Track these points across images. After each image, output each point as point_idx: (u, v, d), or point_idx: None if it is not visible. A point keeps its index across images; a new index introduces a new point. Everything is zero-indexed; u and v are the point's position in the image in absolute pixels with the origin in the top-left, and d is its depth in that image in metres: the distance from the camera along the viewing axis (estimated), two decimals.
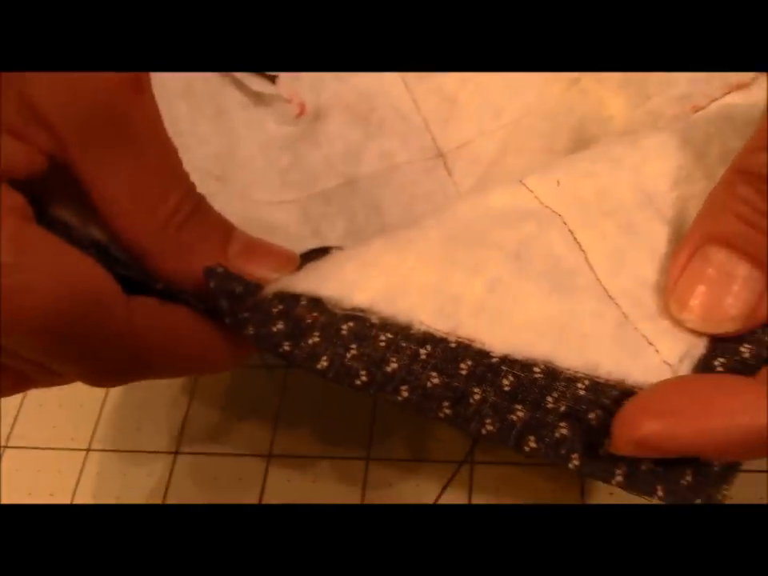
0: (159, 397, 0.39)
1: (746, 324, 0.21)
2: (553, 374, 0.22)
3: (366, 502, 0.33)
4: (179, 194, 0.24)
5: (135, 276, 0.24)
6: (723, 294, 0.21)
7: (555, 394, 0.22)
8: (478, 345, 0.23)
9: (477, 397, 0.22)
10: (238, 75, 0.34)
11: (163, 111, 0.28)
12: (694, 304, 0.21)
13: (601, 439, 0.21)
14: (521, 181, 0.28)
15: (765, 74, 0.29)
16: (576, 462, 0.21)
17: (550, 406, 0.22)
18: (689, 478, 0.21)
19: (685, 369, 0.22)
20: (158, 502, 0.35)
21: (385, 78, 0.37)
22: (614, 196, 0.26)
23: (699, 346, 0.22)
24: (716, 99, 0.30)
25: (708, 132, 0.27)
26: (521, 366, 0.22)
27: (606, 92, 0.35)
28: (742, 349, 0.22)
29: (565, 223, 0.26)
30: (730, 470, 0.21)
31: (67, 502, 0.37)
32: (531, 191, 0.28)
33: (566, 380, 0.22)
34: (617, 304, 0.23)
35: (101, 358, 0.22)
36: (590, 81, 0.35)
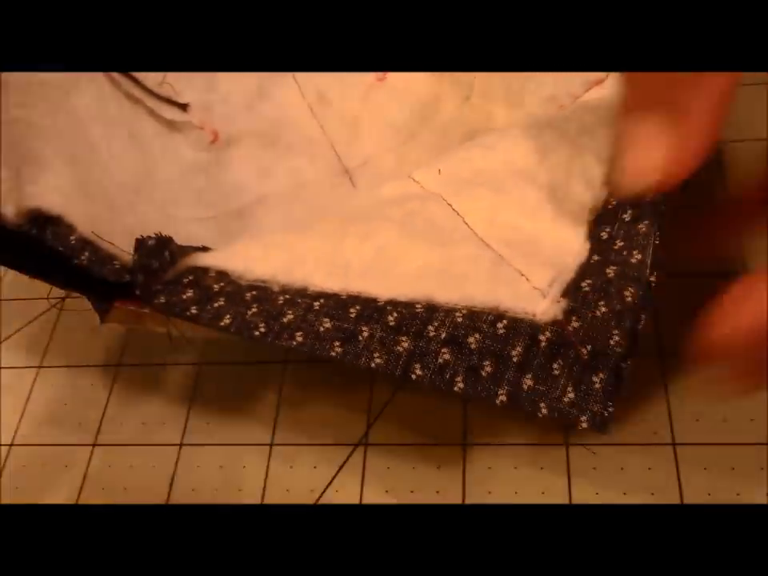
0: None
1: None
2: (433, 308, 0.24)
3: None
4: None
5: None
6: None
7: (436, 323, 0.24)
8: (365, 295, 0.25)
9: (365, 334, 0.24)
10: (150, 104, 0.37)
11: (77, 131, 0.30)
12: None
13: (481, 362, 0.23)
14: (409, 175, 0.32)
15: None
16: (460, 385, 0.23)
17: (431, 334, 0.23)
18: (570, 396, 0.22)
19: (554, 292, 0.24)
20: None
21: (293, 107, 0.41)
22: (488, 172, 0.29)
23: (568, 272, 0.25)
24: (579, 97, 0.34)
25: (566, 114, 0.30)
26: (404, 305, 0.25)
27: (493, 106, 0.39)
28: (608, 270, 0.24)
29: (443, 198, 0.29)
30: (613, 388, 0.22)
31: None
32: (417, 182, 0.31)
33: (445, 311, 0.24)
34: (492, 248, 0.26)
35: None
36: (478, 97, 0.39)
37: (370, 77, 0.40)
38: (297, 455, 0.34)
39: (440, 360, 0.23)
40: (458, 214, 0.28)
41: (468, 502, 0.31)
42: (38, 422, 0.37)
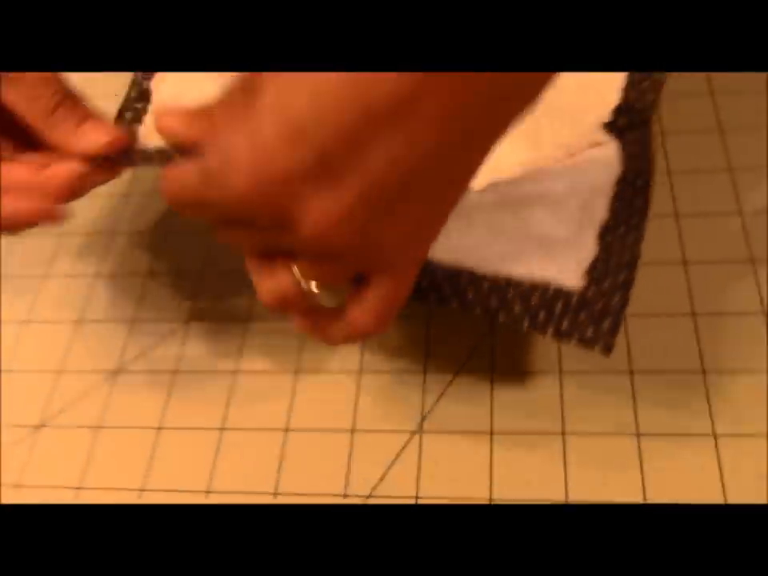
0: None
1: None
2: (507, 280, 0.32)
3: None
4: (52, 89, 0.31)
5: None
6: None
7: (511, 291, 0.32)
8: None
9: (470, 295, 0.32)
10: None
11: None
12: None
13: (538, 312, 0.31)
14: None
15: (615, 138, 0.36)
16: (526, 324, 0.31)
17: (509, 296, 0.32)
18: (590, 333, 0.30)
19: (581, 271, 0.33)
20: None
21: None
22: None
23: (587, 250, 0.34)
24: (584, 150, 0.36)
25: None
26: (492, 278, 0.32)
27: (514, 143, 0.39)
28: (612, 257, 0.33)
29: None
30: (614, 330, 0.30)
31: None
32: None
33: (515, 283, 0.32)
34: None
35: None
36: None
37: None
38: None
39: (516, 309, 0.31)
40: None
41: None
42: None
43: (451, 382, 0.35)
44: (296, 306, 0.27)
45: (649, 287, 0.36)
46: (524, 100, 0.24)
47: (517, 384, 0.35)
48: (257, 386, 0.37)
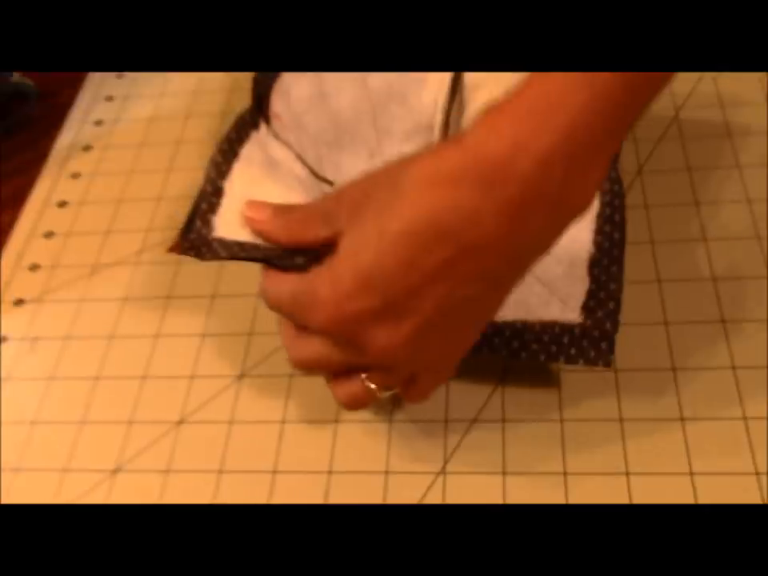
0: None
1: None
2: (523, 324, 0.40)
3: None
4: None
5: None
6: None
7: (527, 333, 0.39)
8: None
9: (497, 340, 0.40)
10: None
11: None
12: None
13: (550, 346, 0.39)
14: None
15: None
16: (543, 357, 0.39)
17: (527, 338, 0.39)
18: (591, 354, 0.38)
19: (578, 307, 0.40)
20: None
21: None
22: None
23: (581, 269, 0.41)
24: None
25: None
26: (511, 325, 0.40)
27: None
28: (601, 294, 0.40)
29: None
30: (609, 350, 0.38)
31: None
32: None
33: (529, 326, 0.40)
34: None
35: None
36: None
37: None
38: None
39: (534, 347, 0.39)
40: None
41: None
42: None
43: (468, 429, 0.41)
44: (365, 404, 0.36)
45: (631, 345, 0.42)
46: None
47: (525, 432, 0.41)
48: (302, 433, 0.43)
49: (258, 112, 0.47)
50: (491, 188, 0.30)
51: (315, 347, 0.34)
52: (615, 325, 0.39)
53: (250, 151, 0.45)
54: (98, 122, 0.62)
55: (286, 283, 0.35)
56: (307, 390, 0.44)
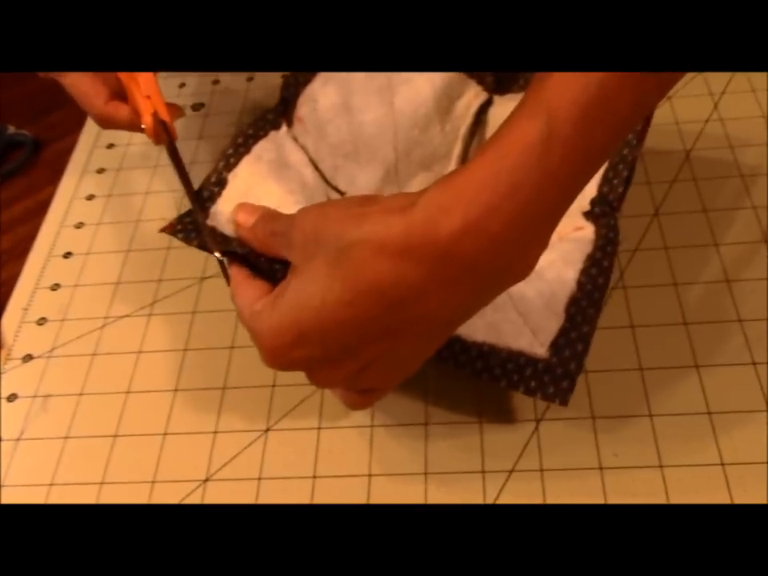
0: None
1: None
2: (491, 348, 0.40)
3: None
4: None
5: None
6: None
7: (493, 358, 0.40)
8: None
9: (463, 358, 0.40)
10: None
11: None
12: None
13: (512, 377, 0.39)
14: None
15: (592, 223, 0.45)
16: (503, 383, 0.39)
17: (492, 362, 0.40)
18: (551, 390, 0.38)
19: (546, 344, 0.40)
20: None
21: None
22: None
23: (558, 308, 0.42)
24: (569, 234, 0.44)
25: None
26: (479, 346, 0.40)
27: None
28: (573, 333, 0.40)
29: None
30: (569, 388, 0.38)
31: None
32: None
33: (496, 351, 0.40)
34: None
35: None
36: None
37: None
38: None
39: (496, 371, 0.39)
40: None
41: None
42: None
43: (506, 480, 0.41)
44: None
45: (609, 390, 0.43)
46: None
47: (500, 431, 0.42)
48: (335, 488, 0.42)
49: (282, 113, 0.48)
50: (437, 265, 0.30)
51: (241, 316, 0.37)
52: (579, 366, 0.39)
53: (262, 148, 0.46)
54: (100, 170, 0.61)
55: (246, 305, 0.36)
56: (336, 444, 0.43)
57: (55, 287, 0.54)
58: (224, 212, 0.42)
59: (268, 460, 0.43)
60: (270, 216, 0.39)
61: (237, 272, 0.38)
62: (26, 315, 0.53)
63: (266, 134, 0.47)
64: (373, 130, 0.47)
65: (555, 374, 0.39)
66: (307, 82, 0.49)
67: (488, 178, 0.29)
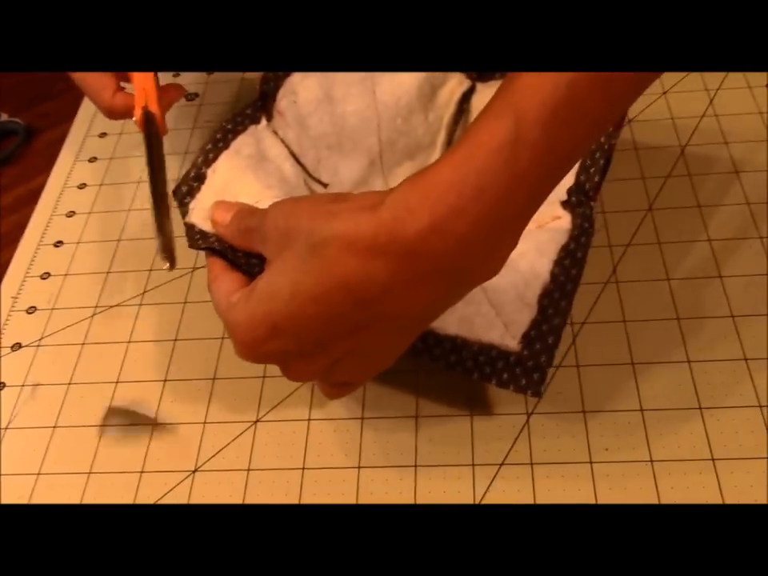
0: None
1: None
2: (463, 341, 0.40)
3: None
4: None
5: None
6: None
7: (465, 351, 0.40)
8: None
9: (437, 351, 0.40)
10: None
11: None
12: None
13: (484, 368, 0.39)
14: None
15: (569, 213, 0.44)
16: (475, 375, 0.39)
17: (464, 354, 0.40)
18: (522, 382, 0.39)
19: (518, 336, 0.40)
20: None
21: None
22: None
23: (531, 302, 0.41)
24: (547, 223, 0.44)
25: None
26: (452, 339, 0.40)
27: None
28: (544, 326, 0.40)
29: None
30: (540, 381, 0.39)
31: None
32: None
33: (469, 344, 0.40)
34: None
35: None
36: None
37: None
38: None
39: (468, 364, 0.39)
40: None
41: None
42: None
43: (496, 473, 0.40)
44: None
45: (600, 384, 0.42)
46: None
47: (492, 425, 0.41)
48: (324, 479, 0.41)
49: (262, 107, 0.48)
50: (403, 264, 0.30)
51: (217, 310, 0.37)
52: (550, 359, 0.39)
53: (242, 143, 0.46)
54: (92, 159, 0.61)
55: (222, 297, 0.36)
56: (326, 436, 0.43)
57: (45, 276, 0.54)
58: (203, 208, 0.42)
59: (257, 451, 0.43)
60: (245, 212, 0.39)
61: (213, 264, 0.38)
62: (16, 303, 0.52)
63: (245, 129, 0.47)
64: (355, 121, 0.47)
65: (526, 367, 0.39)
66: (286, 75, 0.49)
67: (455, 179, 0.29)
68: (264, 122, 0.48)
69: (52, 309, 0.51)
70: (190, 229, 0.41)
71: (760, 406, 0.40)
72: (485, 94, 0.49)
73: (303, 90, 0.48)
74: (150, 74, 0.46)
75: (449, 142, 0.48)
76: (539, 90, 0.29)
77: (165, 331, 0.49)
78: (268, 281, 0.33)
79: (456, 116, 0.49)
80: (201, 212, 0.42)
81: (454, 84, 0.49)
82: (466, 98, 0.49)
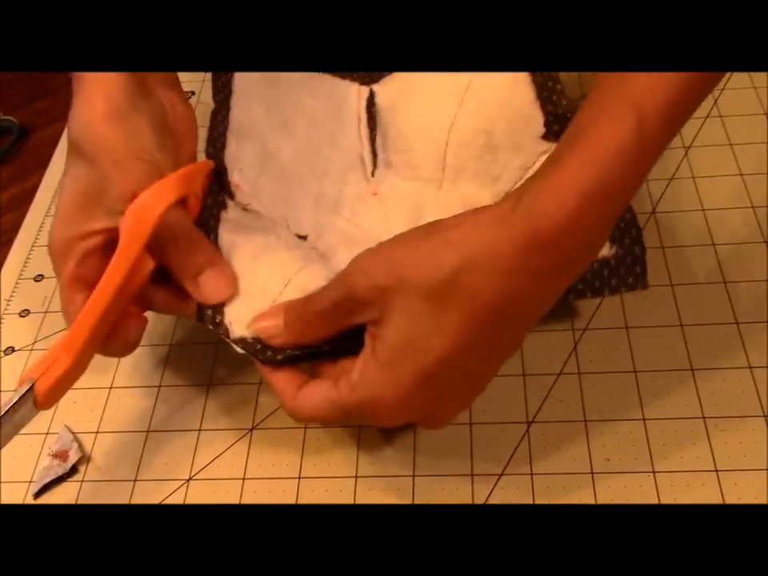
0: None
1: None
2: None
3: None
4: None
5: None
6: None
7: None
8: None
9: None
10: None
11: None
12: None
13: (594, 281, 0.40)
14: None
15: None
16: (589, 294, 0.40)
17: None
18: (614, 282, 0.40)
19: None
20: None
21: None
22: None
23: None
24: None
25: None
26: None
27: (465, 187, 0.44)
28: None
29: None
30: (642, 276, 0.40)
31: None
32: None
33: None
34: None
35: None
36: (448, 183, 0.45)
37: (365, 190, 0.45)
38: None
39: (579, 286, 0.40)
40: None
41: None
42: None
43: (495, 484, 0.40)
44: None
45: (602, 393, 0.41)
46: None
47: (491, 433, 0.41)
48: (321, 489, 0.41)
49: (220, 188, 0.45)
50: (545, 270, 0.32)
51: (320, 412, 0.36)
52: (642, 248, 0.40)
53: (228, 242, 0.42)
54: None
55: (320, 400, 0.35)
56: (322, 447, 0.42)
57: (39, 278, 0.53)
58: (242, 318, 0.39)
59: (253, 459, 0.42)
60: (304, 302, 0.36)
61: (272, 376, 0.38)
62: (9, 306, 0.51)
63: (218, 222, 0.43)
64: (292, 167, 0.46)
65: (627, 264, 0.40)
66: (223, 147, 0.46)
67: (585, 180, 0.30)
68: (230, 202, 0.45)
69: (45, 312, 0.51)
70: (249, 344, 0.38)
71: (765, 416, 0.40)
72: (386, 90, 0.48)
73: (244, 153, 0.46)
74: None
75: (374, 152, 0.47)
76: (659, 89, 0.30)
77: (159, 336, 0.48)
78: (396, 337, 0.33)
79: (370, 123, 0.47)
80: (243, 323, 0.39)
81: (354, 96, 0.48)
82: (371, 102, 0.48)
